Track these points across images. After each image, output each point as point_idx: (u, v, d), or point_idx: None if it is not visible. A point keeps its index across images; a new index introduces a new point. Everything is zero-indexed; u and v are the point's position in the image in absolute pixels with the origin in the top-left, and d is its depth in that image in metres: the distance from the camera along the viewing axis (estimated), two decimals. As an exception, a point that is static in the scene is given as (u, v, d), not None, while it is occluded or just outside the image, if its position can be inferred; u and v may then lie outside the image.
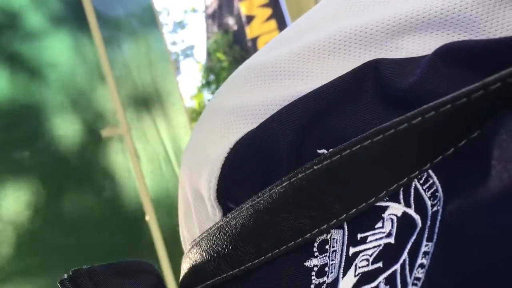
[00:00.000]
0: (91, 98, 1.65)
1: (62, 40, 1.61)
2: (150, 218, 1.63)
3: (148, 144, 1.83)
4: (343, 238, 0.21)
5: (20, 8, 1.51)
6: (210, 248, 0.25)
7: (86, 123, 1.61)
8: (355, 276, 0.20)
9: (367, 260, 0.20)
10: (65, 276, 0.26)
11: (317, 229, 0.22)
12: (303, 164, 0.22)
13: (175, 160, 1.91)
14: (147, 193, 1.63)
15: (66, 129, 1.54)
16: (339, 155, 0.21)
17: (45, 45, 1.55)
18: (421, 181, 0.19)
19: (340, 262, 0.21)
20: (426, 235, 0.18)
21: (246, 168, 0.24)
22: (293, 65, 0.24)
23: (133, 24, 1.98)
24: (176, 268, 1.59)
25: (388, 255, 0.19)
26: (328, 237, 0.22)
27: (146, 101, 1.91)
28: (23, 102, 1.47)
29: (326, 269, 0.21)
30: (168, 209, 1.77)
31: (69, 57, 1.62)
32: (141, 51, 1.99)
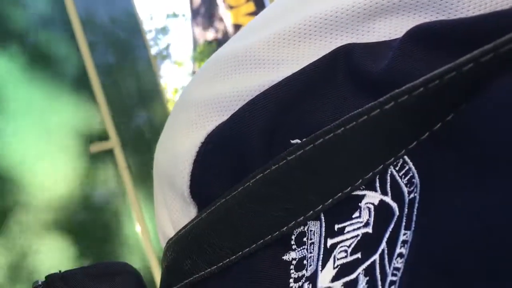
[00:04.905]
0: (77, 111, 1.62)
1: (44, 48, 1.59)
2: (142, 230, 1.61)
3: (139, 158, 1.81)
4: (320, 229, 0.21)
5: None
6: (187, 246, 0.24)
7: (72, 138, 1.58)
8: (334, 268, 0.19)
9: (346, 251, 0.19)
10: (39, 282, 0.25)
11: (293, 222, 0.21)
12: (276, 156, 0.21)
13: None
14: (138, 205, 1.61)
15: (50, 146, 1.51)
16: (312, 145, 0.20)
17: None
18: (397, 168, 0.19)
19: (319, 254, 0.20)
20: (404, 224, 0.18)
21: (218, 162, 0.24)
22: (263, 53, 0.23)
23: (117, 31, 1.96)
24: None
25: (366, 245, 0.19)
26: (306, 229, 0.21)
27: (134, 112, 1.89)
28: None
29: (305, 262, 0.21)
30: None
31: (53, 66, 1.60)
32: (126, 60, 1.97)
